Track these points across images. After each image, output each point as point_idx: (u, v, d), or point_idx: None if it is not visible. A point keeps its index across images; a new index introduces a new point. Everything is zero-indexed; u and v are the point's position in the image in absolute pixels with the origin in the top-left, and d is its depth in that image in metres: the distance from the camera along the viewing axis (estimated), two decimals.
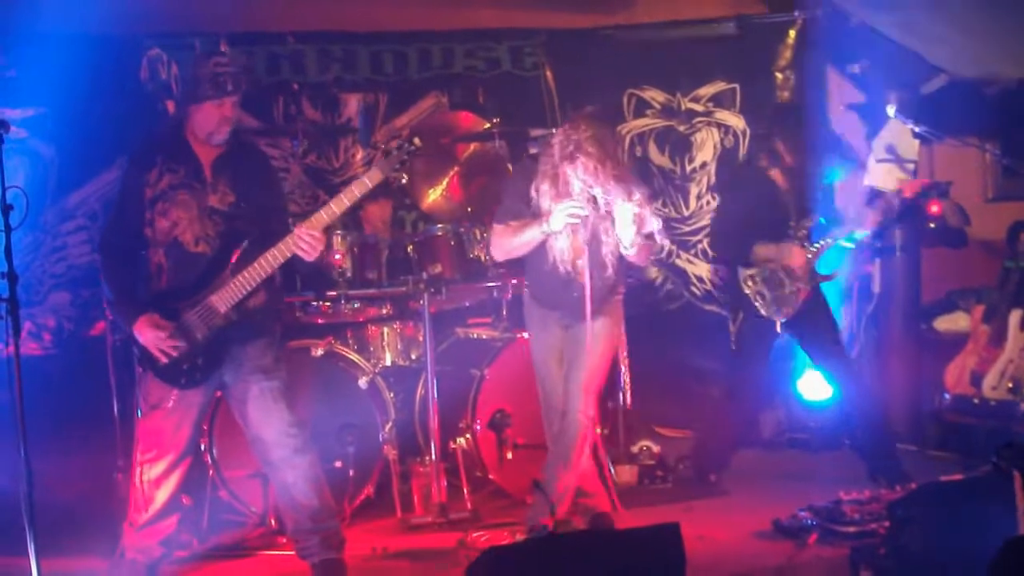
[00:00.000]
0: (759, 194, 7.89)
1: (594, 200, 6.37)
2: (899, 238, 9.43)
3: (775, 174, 7.93)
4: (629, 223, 6.31)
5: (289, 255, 6.07)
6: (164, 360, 6.11)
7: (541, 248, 6.56)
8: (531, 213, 6.53)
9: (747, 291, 7.82)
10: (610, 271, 6.56)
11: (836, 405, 8.53)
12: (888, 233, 9.39)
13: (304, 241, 6.02)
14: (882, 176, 9.16)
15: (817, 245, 7.82)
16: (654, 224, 6.47)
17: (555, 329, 6.79)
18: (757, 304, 7.81)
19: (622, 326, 7.30)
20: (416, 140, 6.31)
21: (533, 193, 6.52)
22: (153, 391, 6.24)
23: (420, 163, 8.64)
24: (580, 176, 6.36)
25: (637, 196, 6.33)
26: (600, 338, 6.64)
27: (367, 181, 6.16)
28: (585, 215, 6.32)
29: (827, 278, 7.94)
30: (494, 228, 6.78)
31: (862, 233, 8.05)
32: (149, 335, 6.07)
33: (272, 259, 6.06)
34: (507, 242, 6.66)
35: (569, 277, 6.49)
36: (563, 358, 6.75)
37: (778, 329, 7.86)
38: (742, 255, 7.87)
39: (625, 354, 8.47)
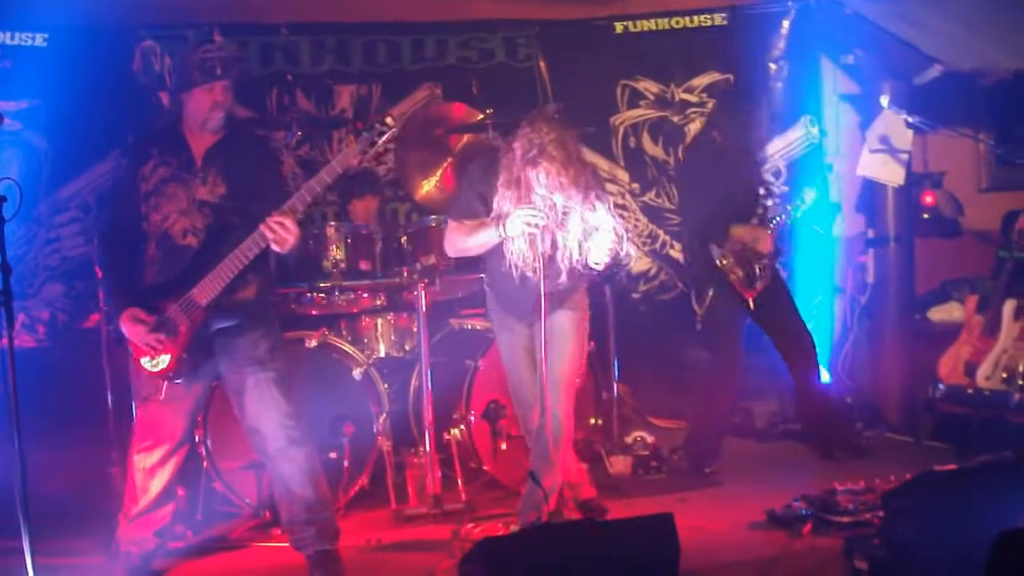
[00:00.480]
0: (729, 173, 7.96)
1: (554, 206, 6.24)
2: (892, 228, 9.45)
3: (735, 156, 8.01)
4: (605, 249, 6.25)
5: (264, 245, 6.02)
6: (149, 353, 6.12)
7: (498, 250, 6.44)
8: (487, 212, 6.42)
9: (722, 267, 7.87)
10: (563, 277, 6.42)
11: (794, 394, 8.61)
12: (881, 218, 9.44)
13: (271, 230, 5.93)
14: (875, 166, 9.17)
15: (773, 224, 7.92)
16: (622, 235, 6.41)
17: (520, 328, 6.70)
18: (732, 279, 7.87)
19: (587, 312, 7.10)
20: (388, 120, 6.20)
21: (492, 193, 6.39)
22: (145, 383, 6.27)
23: (413, 155, 8.65)
24: (542, 181, 6.21)
25: (606, 212, 6.29)
26: (569, 333, 6.59)
27: (336, 166, 6.06)
28: (543, 224, 6.19)
29: (780, 256, 8.09)
30: (448, 224, 6.65)
31: (800, 209, 8.13)
32: (132, 329, 6.10)
33: (247, 249, 6.02)
34: (460, 240, 6.54)
35: (524, 282, 6.37)
36: (533, 356, 6.62)
37: (751, 305, 7.92)
38: (718, 233, 7.93)
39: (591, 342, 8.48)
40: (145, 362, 6.18)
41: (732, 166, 8.01)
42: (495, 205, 6.35)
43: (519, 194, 6.24)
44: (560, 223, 6.28)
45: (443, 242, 6.73)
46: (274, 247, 6.01)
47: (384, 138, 6.19)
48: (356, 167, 6.33)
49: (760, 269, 7.93)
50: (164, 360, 6.14)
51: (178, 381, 6.19)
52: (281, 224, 5.93)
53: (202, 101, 6.20)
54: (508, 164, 6.32)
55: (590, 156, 9.73)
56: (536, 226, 6.16)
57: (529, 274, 6.32)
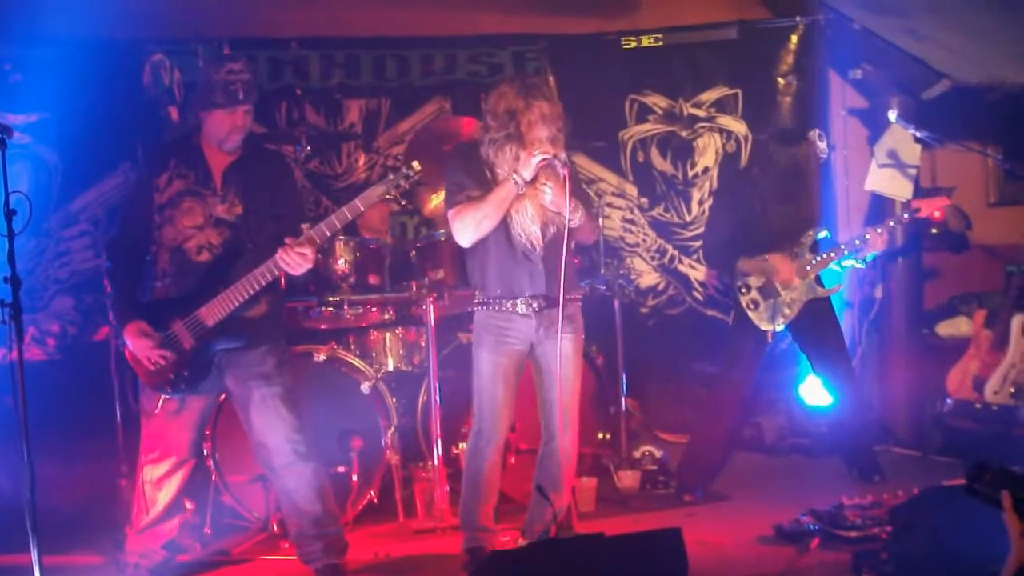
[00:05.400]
0: (751, 203, 7.92)
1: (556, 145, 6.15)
2: (900, 242, 9.44)
3: (777, 183, 7.97)
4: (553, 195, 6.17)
5: (277, 273, 6.05)
6: (151, 367, 6.13)
7: (498, 237, 6.28)
8: (482, 188, 6.26)
9: (741, 300, 7.84)
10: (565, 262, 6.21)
11: (832, 413, 8.53)
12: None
13: (288, 259, 5.93)
14: (884, 181, 9.16)
15: (818, 259, 7.84)
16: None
17: (510, 351, 6.42)
18: (750, 314, 7.82)
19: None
20: (415, 164, 6.16)
21: (483, 167, 6.28)
22: (149, 396, 6.29)
23: (422, 169, 8.66)
24: (547, 111, 6.15)
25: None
26: (573, 356, 6.44)
27: (359, 204, 6.04)
28: (554, 153, 6.06)
29: (828, 292, 7.96)
30: (452, 212, 6.35)
31: (859, 260, 8.01)
32: (136, 343, 6.11)
33: (260, 276, 6.03)
34: (474, 213, 6.22)
35: (531, 256, 6.27)
36: (516, 380, 6.48)
37: (769, 339, 7.89)
38: (729, 267, 7.91)
39: (600, 356, 8.46)
40: (144, 375, 6.21)
41: (769, 197, 7.97)
42: (501, 165, 6.23)
43: (521, 146, 6.16)
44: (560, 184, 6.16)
45: (456, 235, 6.40)
46: (289, 271, 6.02)
47: (408, 183, 6.18)
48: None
49: (788, 301, 7.86)
50: (163, 374, 6.16)
51: (176, 396, 6.22)
52: (300, 253, 5.93)
53: (222, 123, 6.18)
54: (497, 127, 6.24)
55: (599, 171, 9.77)
56: (549, 155, 6.05)
57: (532, 251, 6.26)
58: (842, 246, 7.94)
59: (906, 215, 8.00)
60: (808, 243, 7.88)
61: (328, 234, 6.09)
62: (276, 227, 6.16)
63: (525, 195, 6.20)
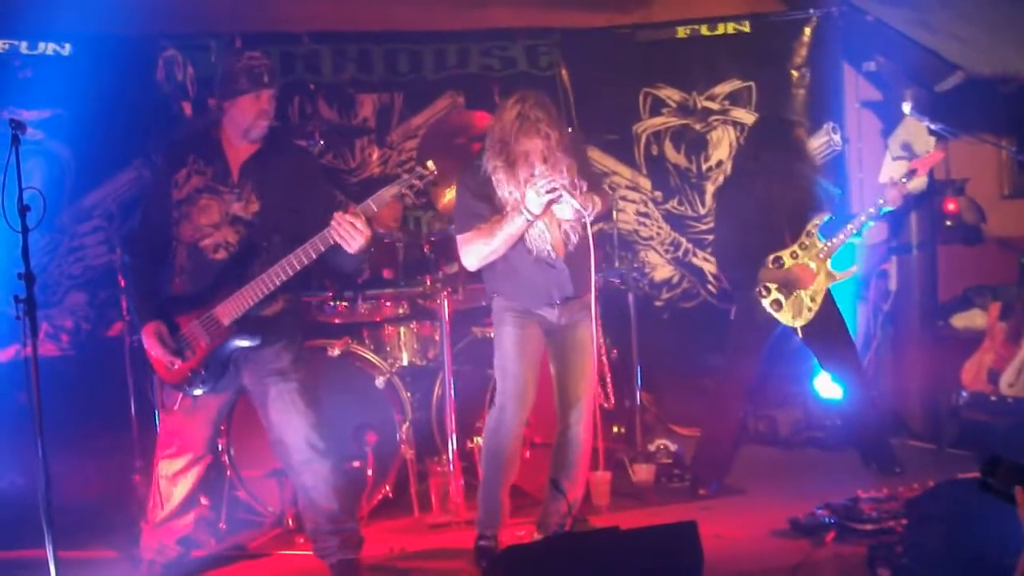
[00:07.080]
0: (753, 208, 7.86)
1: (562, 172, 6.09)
2: (915, 235, 9.43)
3: (767, 184, 7.90)
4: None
5: (297, 268, 5.97)
6: (168, 366, 6.11)
7: (518, 250, 6.27)
8: (491, 211, 6.24)
9: (763, 302, 7.77)
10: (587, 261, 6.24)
11: (841, 406, 8.50)
12: (904, 225, 9.41)
13: (341, 231, 5.78)
14: (898, 174, 9.14)
15: (829, 243, 7.81)
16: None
17: (533, 324, 6.47)
18: (776, 314, 7.77)
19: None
20: (429, 164, 6.06)
21: (491, 189, 6.22)
22: (167, 393, 6.28)
23: (436, 163, 8.65)
24: (539, 147, 6.07)
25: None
26: (589, 345, 6.45)
27: (372, 205, 5.90)
28: (563, 183, 5.99)
29: (844, 275, 7.93)
30: (461, 238, 6.35)
31: (871, 221, 7.96)
32: (153, 343, 6.07)
33: (276, 274, 5.96)
34: (482, 245, 6.25)
35: (552, 264, 6.27)
36: (537, 357, 6.50)
37: (799, 335, 7.84)
38: (749, 278, 7.85)
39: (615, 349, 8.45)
40: (163, 372, 6.19)
41: (767, 200, 7.91)
42: (503, 194, 6.19)
43: (516, 174, 6.12)
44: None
45: (462, 259, 6.43)
46: (344, 247, 5.86)
47: (422, 182, 6.14)
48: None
49: (809, 294, 7.83)
50: (181, 373, 6.14)
51: (196, 393, 6.19)
52: (354, 226, 5.79)
53: (248, 109, 6.11)
54: (496, 149, 6.18)
55: (612, 164, 9.76)
56: (557, 189, 5.97)
57: (554, 259, 6.26)
58: (861, 216, 7.88)
59: (904, 179, 7.93)
60: (815, 232, 7.84)
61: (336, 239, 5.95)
62: (295, 225, 6.11)
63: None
